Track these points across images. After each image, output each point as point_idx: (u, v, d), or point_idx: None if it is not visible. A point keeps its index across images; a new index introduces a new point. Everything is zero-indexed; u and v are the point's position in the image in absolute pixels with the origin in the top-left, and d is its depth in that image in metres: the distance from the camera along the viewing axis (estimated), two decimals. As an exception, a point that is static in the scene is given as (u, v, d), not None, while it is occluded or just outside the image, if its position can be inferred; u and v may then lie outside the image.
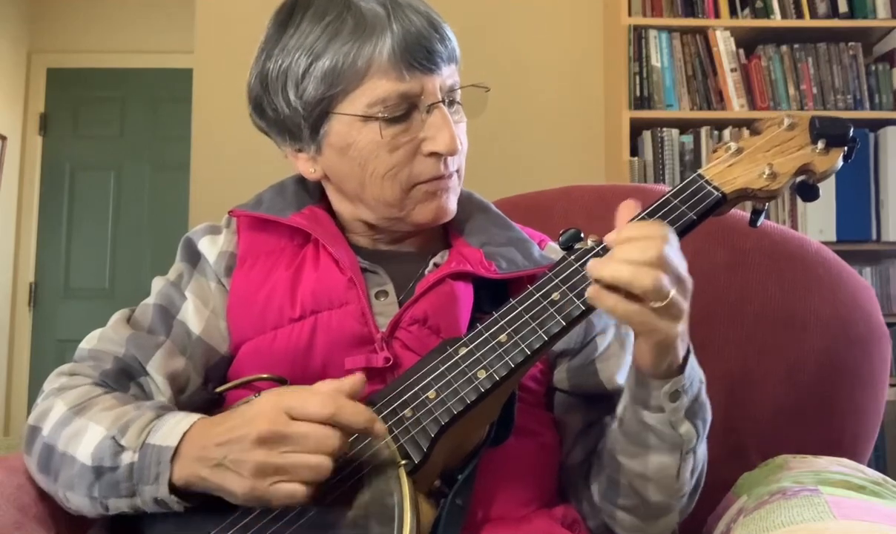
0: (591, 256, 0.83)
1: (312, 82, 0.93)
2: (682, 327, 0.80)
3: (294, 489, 0.76)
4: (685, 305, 0.79)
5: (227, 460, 0.77)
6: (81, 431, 0.86)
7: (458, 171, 0.99)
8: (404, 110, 0.93)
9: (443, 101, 0.94)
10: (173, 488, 0.81)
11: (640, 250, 0.76)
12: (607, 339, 1.01)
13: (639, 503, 0.92)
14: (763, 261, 1.24)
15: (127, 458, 0.82)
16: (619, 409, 0.91)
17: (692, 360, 0.86)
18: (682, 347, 0.83)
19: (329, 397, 0.77)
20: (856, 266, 1.42)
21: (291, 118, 0.97)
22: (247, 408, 0.80)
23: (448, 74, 0.95)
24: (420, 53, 0.92)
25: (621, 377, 0.99)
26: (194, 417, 0.84)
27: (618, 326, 1.02)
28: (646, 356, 0.82)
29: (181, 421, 0.83)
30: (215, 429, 0.80)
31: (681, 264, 0.78)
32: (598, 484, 0.96)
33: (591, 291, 0.77)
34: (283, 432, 0.76)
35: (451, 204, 0.99)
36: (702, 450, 0.91)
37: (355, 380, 0.79)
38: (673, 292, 0.76)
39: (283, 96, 0.96)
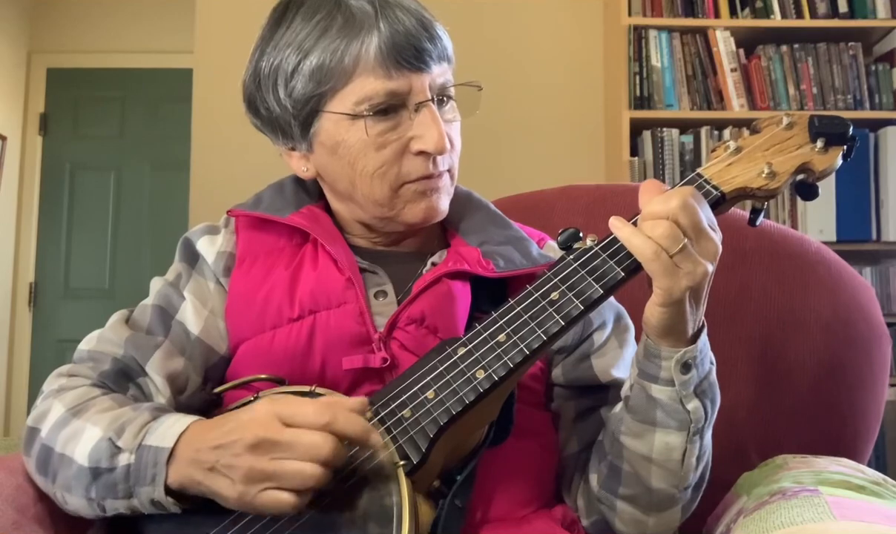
0: (589, 256, 0.83)
1: (301, 80, 0.94)
2: (696, 285, 0.79)
3: (281, 498, 0.75)
4: (708, 266, 0.79)
5: (220, 464, 0.77)
6: (79, 432, 0.86)
7: (449, 170, 0.98)
8: (392, 108, 0.93)
9: (433, 100, 0.94)
10: (169, 490, 0.80)
11: (660, 202, 0.79)
12: (604, 335, 1.01)
13: (641, 492, 0.91)
14: (763, 261, 1.24)
15: (124, 459, 0.82)
16: (625, 388, 0.90)
17: (705, 337, 0.85)
18: (694, 315, 0.82)
19: (325, 406, 0.77)
20: (856, 266, 1.41)
21: (282, 116, 0.97)
22: (242, 412, 0.79)
23: (439, 73, 0.95)
24: (408, 52, 0.91)
25: (617, 371, 0.99)
26: (190, 418, 0.84)
27: (616, 322, 1.02)
28: (658, 312, 0.81)
29: (177, 422, 0.83)
30: (210, 433, 0.80)
31: (703, 221, 0.79)
32: (598, 473, 0.95)
33: (614, 220, 0.82)
34: (275, 438, 0.75)
35: (442, 204, 0.99)
36: (708, 439, 0.90)
37: (357, 401, 0.79)
38: (686, 241, 0.77)
39: (273, 94, 0.96)
